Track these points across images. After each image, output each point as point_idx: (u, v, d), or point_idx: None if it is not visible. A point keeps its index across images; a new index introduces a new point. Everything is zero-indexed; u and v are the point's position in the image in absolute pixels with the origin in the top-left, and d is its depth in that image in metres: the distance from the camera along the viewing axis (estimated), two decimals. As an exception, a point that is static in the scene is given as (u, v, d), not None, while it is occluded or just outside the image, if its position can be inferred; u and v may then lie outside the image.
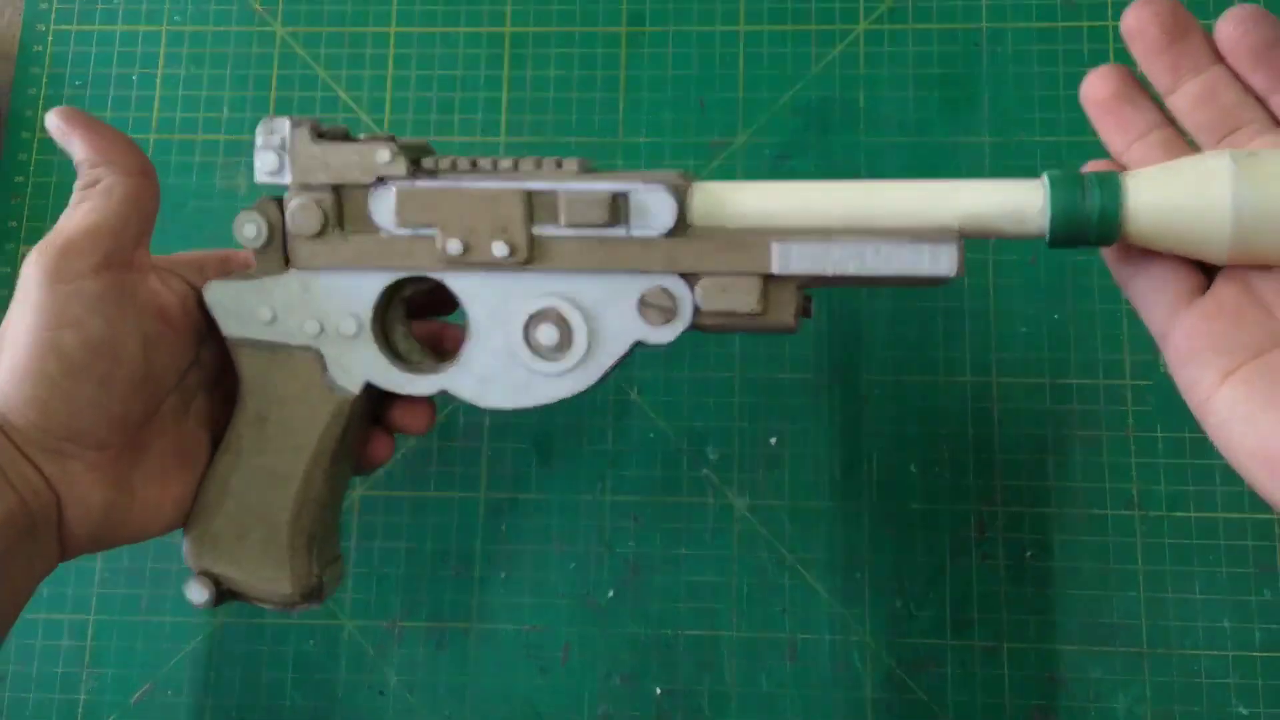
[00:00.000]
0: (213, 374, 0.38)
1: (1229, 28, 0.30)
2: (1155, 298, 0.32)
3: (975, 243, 0.48)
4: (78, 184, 0.35)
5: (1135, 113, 0.32)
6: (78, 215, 0.33)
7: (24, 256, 0.51)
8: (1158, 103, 0.33)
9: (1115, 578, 0.46)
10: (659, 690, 0.46)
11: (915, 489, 0.47)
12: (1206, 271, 0.32)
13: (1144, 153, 0.32)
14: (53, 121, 0.35)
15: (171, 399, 0.36)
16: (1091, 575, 0.46)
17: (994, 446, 0.47)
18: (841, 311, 0.49)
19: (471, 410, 0.49)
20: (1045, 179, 0.32)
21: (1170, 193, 0.30)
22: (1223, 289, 0.31)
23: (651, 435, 0.48)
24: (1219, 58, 0.31)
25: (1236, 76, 0.31)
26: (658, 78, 0.51)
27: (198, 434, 0.37)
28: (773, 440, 0.48)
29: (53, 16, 0.54)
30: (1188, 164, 0.30)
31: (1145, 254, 0.32)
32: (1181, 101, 0.32)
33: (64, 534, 0.33)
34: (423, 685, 0.47)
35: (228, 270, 0.38)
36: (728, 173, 0.50)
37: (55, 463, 0.32)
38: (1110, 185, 0.31)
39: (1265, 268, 0.30)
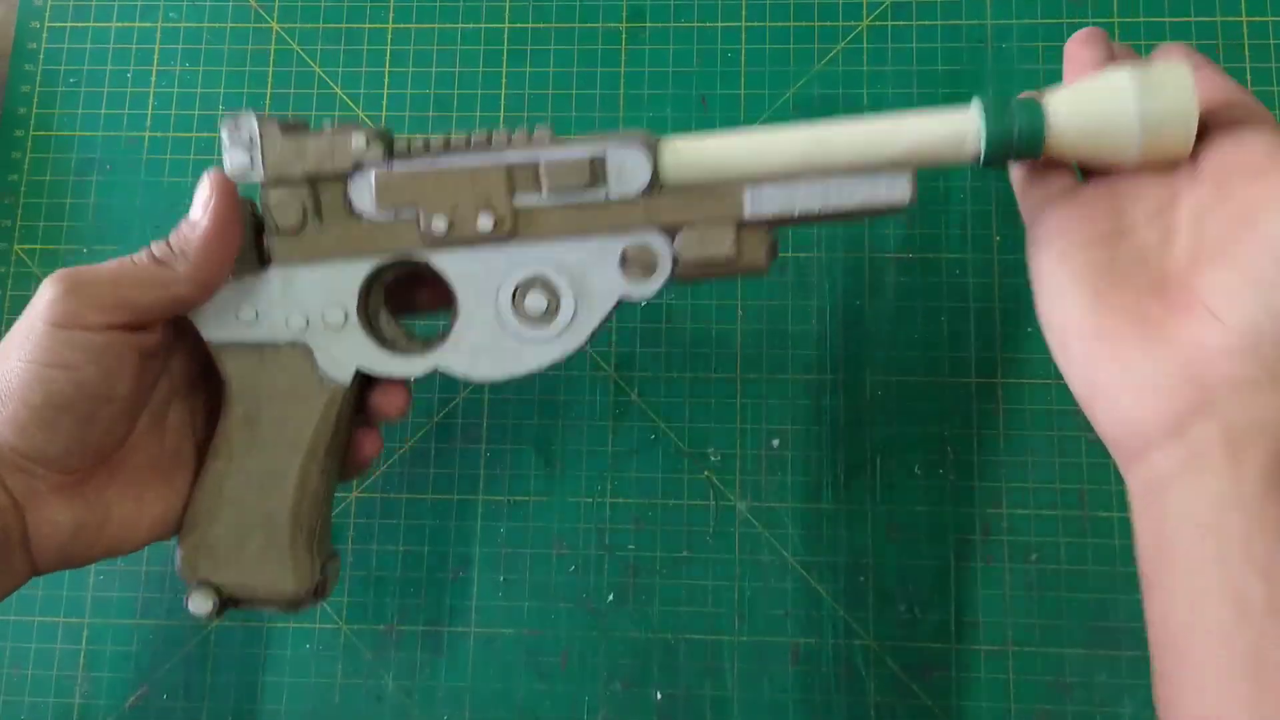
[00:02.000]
0: (184, 381, 0.37)
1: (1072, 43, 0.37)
2: (1034, 194, 0.36)
3: (981, 243, 0.48)
4: (160, 243, 0.34)
5: (1091, 54, 0.37)
6: (126, 278, 0.33)
7: (18, 257, 0.51)
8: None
9: (1121, 580, 0.45)
10: (659, 695, 0.46)
11: (919, 491, 0.47)
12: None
13: None
14: (208, 178, 0.34)
15: (145, 416, 0.35)
16: (1097, 578, 0.45)
17: (999, 448, 0.47)
18: (845, 311, 0.48)
19: (471, 412, 0.48)
20: (976, 104, 0.35)
21: (1083, 108, 0.34)
22: (1089, 189, 0.35)
23: (652, 437, 0.48)
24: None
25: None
26: (659, 74, 0.51)
27: (178, 445, 0.37)
28: (775, 442, 0.47)
29: (47, 13, 0.54)
30: (1093, 82, 0.34)
31: (1037, 165, 0.37)
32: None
33: (32, 550, 0.33)
34: (420, 690, 0.46)
35: None
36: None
37: (22, 480, 0.32)
38: (1031, 106, 0.34)
39: (1132, 178, 0.34)
